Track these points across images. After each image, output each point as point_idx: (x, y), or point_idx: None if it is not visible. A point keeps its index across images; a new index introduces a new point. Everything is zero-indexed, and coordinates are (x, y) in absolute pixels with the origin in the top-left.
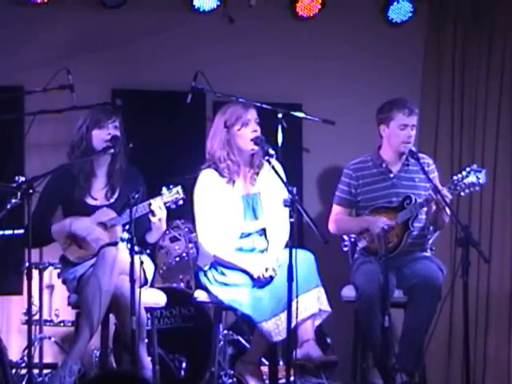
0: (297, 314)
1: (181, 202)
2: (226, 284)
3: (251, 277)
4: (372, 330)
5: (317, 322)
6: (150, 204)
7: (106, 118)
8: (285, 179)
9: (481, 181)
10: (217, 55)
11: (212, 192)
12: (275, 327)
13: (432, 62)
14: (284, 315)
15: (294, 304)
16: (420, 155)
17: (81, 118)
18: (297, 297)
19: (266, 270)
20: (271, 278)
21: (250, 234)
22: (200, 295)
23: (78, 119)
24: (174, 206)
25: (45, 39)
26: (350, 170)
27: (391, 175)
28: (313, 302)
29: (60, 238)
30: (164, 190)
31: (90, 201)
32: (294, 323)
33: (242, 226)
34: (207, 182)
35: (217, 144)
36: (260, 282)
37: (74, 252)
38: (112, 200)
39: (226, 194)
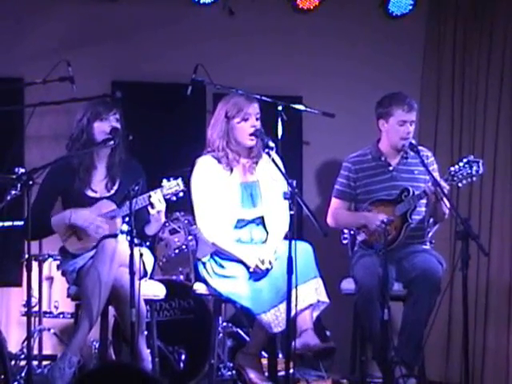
0: (296, 304)
1: (181, 195)
2: (224, 276)
3: (248, 268)
4: (371, 323)
5: (315, 314)
6: (149, 196)
7: (106, 110)
8: (284, 172)
9: (478, 171)
10: (217, 48)
11: (210, 178)
12: (274, 318)
13: (432, 55)
14: (283, 306)
15: (292, 295)
16: (419, 148)
17: (79, 110)
18: (295, 287)
19: (263, 262)
20: (267, 270)
21: (247, 225)
22: (199, 287)
23: (78, 111)
24: (174, 199)
25: (45, 31)
26: (348, 163)
27: (390, 168)
28: (311, 293)
29: (60, 229)
30: (164, 182)
31: (89, 193)
32: (292, 313)
33: (239, 213)
34: (205, 168)
35: (216, 133)
36: (256, 274)
37: (74, 244)
38: (112, 192)
39: (223, 181)
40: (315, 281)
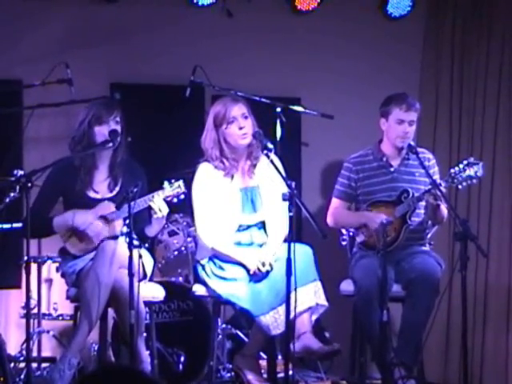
0: (295, 306)
1: (182, 197)
2: (224, 278)
3: (248, 271)
4: (370, 325)
5: (314, 317)
6: (150, 198)
7: (107, 113)
8: (284, 173)
9: (478, 173)
10: (215, 49)
11: (210, 185)
12: (273, 321)
13: (431, 55)
14: (282, 308)
15: (291, 297)
16: (420, 150)
17: (82, 112)
18: (294, 290)
19: (263, 264)
20: (267, 272)
21: (248, 228)
22: (198, 289)
23: (78, 113)
24: (175, 201)
25: (43, 33)
26: (350, 164)
27: (391, 169)
28: (310, 296)
29: (61, 230)
30: (165, 184)
31: (91, 194)
32: (291, 315)
33: (240, 219)
34: (205, 174)
35: (207, 143)
36: (256, 277)
37: (75, 245)
38: (114, 193)
39: (224, 187)
40: (314, 284)
